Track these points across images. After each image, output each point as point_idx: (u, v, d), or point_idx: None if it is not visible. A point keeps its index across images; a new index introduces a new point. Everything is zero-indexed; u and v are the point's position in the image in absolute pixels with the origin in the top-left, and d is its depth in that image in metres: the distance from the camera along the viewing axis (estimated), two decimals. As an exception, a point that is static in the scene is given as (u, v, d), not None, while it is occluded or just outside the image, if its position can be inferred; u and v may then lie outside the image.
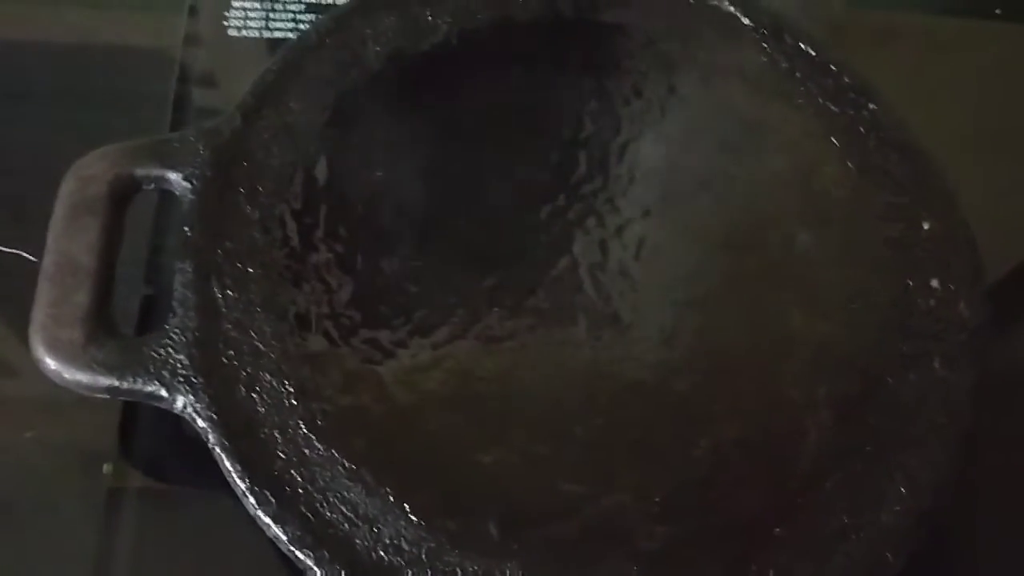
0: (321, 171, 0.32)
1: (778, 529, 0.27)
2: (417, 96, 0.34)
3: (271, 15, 0.42)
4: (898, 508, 0.28)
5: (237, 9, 0.42)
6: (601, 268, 0.32)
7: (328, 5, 0.42)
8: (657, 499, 0.28)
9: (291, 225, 0.31)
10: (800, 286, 0.32)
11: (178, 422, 0.31)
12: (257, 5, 0.42)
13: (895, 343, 0.30)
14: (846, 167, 0.33)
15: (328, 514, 0.27)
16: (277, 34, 0.41)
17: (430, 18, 0.35)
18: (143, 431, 0.32)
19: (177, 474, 0.31)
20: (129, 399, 0.29)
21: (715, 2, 0.36)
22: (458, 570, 0.26)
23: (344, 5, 0.35)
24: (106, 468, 0.31)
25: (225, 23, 0.41)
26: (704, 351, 0.31)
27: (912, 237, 0.32)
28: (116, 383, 0.28)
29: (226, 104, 0.37)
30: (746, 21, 0.36)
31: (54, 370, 0.28)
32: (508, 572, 0.26)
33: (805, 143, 0.34)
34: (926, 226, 0.32)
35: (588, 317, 0.32)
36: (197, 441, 0.28)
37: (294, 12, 0.42)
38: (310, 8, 0.42)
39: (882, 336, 0.31)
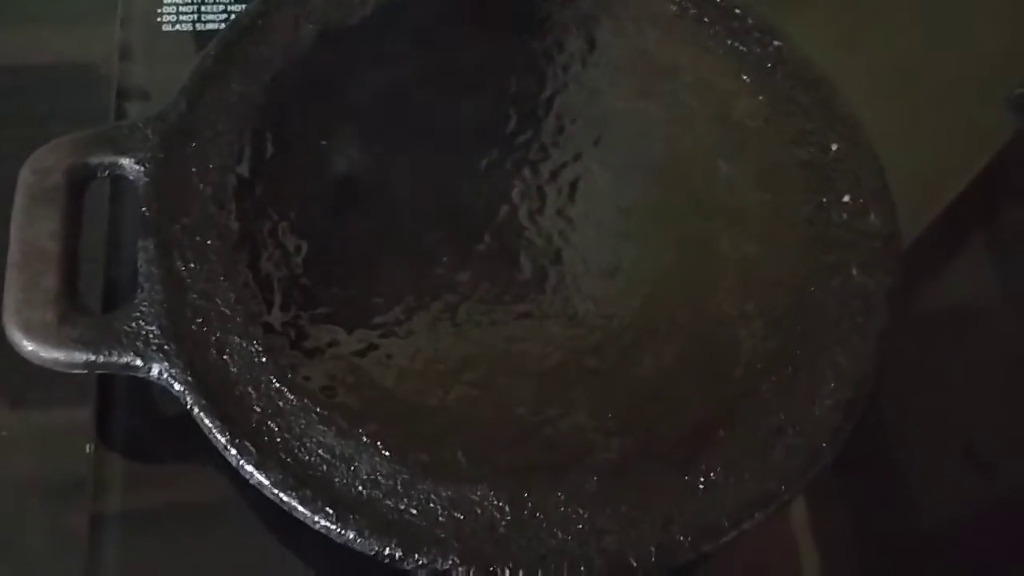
0: (265, 144, 0.34)
1: (721, 432, 0.29)
2: (350, 67, 0.36)
3: (203, 8, 0.43)
4: (829, 402, 0.30)
5: (169, 5, 0.43)
6: (540, 212, 0.35)
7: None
8: (610, 415, 0.30)
9: (243, 195, 0.33)
10: (724, 212, 0.35)
11: (153, 399, 0.33)
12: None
13: (815, 255, 0.33)
14: (757, 100, 0.36)
15: (306, 458, 0.28)
16: (210, 26, 0.43)
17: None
18: (120, 414, 0.33)
19: (157, 449, 0.33)
20: (105, 371, 0.30)
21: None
22: (432, 496, 0.28)
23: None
24: (88, 448, 0.33)
25: (159, 19, 0.43)
26: (642, 279, 0.33)
27: (822, 159, 0.35)
28: (92, 357, 0.29)
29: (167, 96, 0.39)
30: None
31: (31, 351, 0.29)
32: (479, 493, 0.28)
33: (717, 81, 0.37)
34: (834, 147, 0.35)
35: (532, 258, 0.34)
36: (173, 417, 0.29)
37: (225, 3, 0.43)
38: (240, -2, 0.43)
39: (803, 250, 0.33)
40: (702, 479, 0.29)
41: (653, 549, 0.27)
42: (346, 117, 0.35)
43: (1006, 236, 0.42)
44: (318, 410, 0.29)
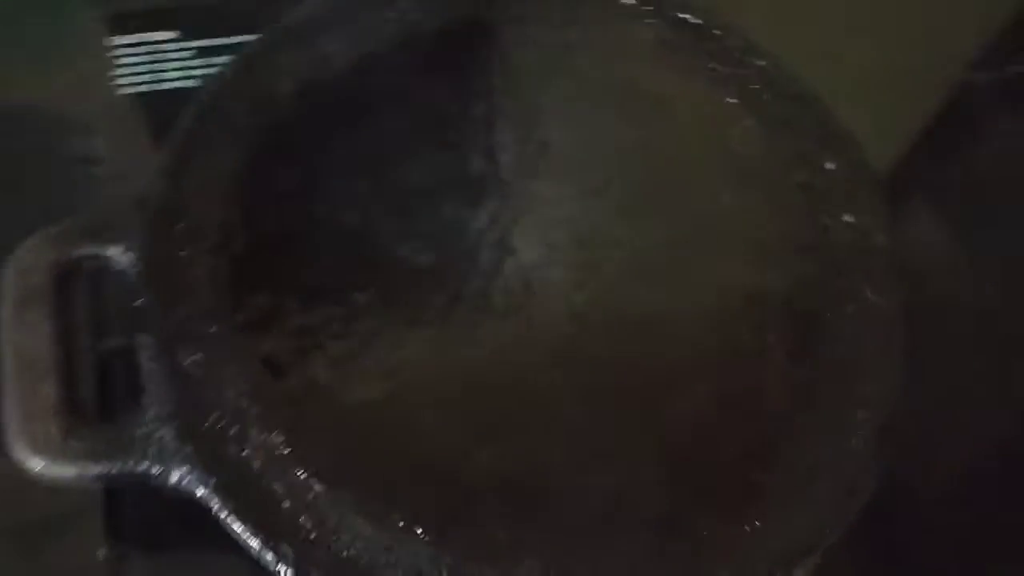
0: (256, 215, 0.33)
1: (764, 474, 0.29)
2: (332, 121, 0.35)
3: (158, 67, 0.41)
4: (862, 432, 0.30)
5: (122, 67, 0.41)
6: (546, 261, 0.34)
7: (217, 47, 0.42)
8: (653, 465, 0.30)
9: (241, 275, 0.31)
10: (731, 241, 0.34)
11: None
12: (144, 59, 0.41)
13: (827, 280, 0.33)
14: (750, 123, 0.36)
15: (344, 552, 0.27)
16: (166, 85, 0.41)
17: (332, 48, 0.35)
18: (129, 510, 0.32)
19: (172, 541, 0.32)
20: (118, 484, 0.29)
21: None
22: (478, 577, 0.27)
23: (249, 46, 0.35)
24: (100, 554, 0.31)
25: (111, 83, 0.41)
26: (656, 320, 0.33)
27: (819, 179, 0.35)
28: (104, 470, 0.28)
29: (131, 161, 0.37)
30: (627, 1, 0.37)
31: (39, 470, 0.28)
32: (528, 566, 0.27)
33: (707, 107, 0.36)
34: (830, 166, 0.35)
35: (539, 309, 0.33)
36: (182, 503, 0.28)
37: (183, 60, 0.41)
38: (201, 53, 0.42)
39: (813, 276, 0.33)
40: (747, 527, 0.28)
41: None
42: (329, 173, 0.34)
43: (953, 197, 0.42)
44: (353, 502, 0.28)
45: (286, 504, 0.28)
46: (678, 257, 0.34)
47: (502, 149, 0.35)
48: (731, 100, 0.36)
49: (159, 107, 0.40)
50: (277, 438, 0.29)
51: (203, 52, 0.42)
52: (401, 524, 0.28)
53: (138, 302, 0.30)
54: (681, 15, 0.37)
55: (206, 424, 0.29)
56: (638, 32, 0.37)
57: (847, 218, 0.34)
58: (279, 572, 0.27)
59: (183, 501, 0.29)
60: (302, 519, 0.28)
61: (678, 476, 0.29)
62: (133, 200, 0.32)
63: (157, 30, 0.42)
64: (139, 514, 0.32)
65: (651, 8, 0.37)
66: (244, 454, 0.28)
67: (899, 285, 0.33)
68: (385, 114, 0.35)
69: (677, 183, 0.35)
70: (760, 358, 0.32)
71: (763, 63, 0.37)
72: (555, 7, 0.37)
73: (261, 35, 0.36)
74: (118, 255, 0.31)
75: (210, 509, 0.28)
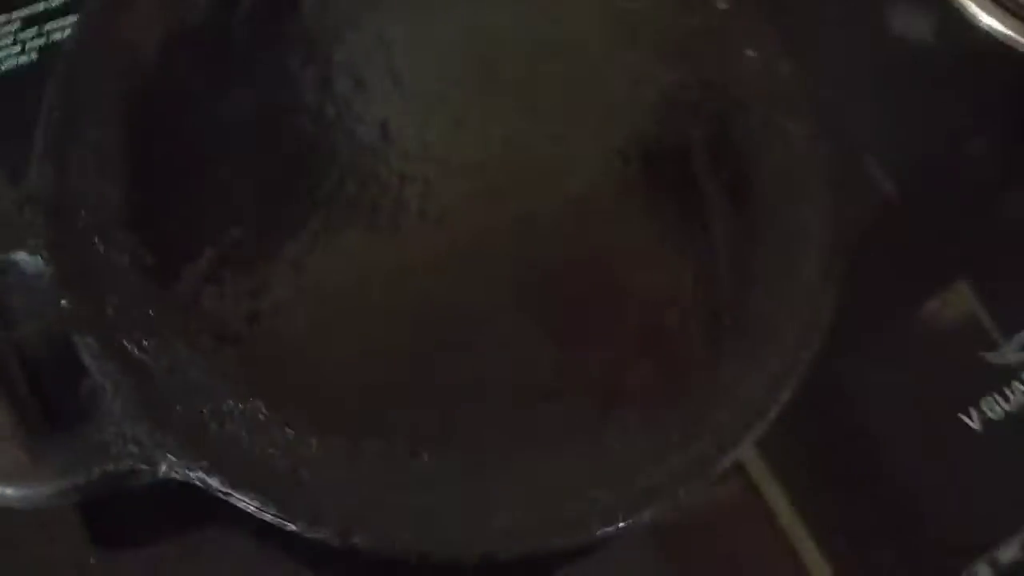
0: (152, 181, 0.31)
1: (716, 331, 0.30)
2: (203, 67, 0.33)
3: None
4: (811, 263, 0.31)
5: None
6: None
7: (46, 12, 0.38)
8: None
9: (160, 249, 0.29)
10: (639, 93, 0.34)
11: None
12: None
13: (742, 115, 0.33)
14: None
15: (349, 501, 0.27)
16: (6, 64, 0.37)
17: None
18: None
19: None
20: (99, 492, 0.27)
21: None
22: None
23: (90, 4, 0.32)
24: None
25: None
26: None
27: (715, 20, 0.35)
28: (84, 479, 0.26)
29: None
30: None
31: (17, 497, 0.26)
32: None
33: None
34: (723, 6, 0.35)
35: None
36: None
37: (12, 32, 0.37)
38: (27, 23, 0.38)
39: (728, 113, 0.34)
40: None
41: None
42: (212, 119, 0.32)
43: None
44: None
45: (281, 463, 0.27)
46: (585, 129, 0.33)
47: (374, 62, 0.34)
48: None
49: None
50: (255, 403, 0.28)
51: (29, 21, 0.38)
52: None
53: (63, 302, 0.28)
54: None
55: (176, 407, 0.27)
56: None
57: (749, 52, 0.34)
58: (298, 532, 0.26)
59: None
60: (301, 472, 0.27)
61: (621, 344, 0.30)
62: (20, 198, 0.29)
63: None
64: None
65: None
66: (224, 428, 0.27)
67: (811, 109, 0.34)
68: (260, 59, 0.33)
69: (571, 49, 0.35)
70: (695, 205, 0.32)
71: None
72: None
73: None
74: (26, 258, 0.28)
75: (205, 491, 0.27)
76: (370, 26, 0.34)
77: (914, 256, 0.39)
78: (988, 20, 0.40)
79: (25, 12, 0.38)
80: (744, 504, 0.32)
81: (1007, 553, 0.34)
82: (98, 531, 0.30)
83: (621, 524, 0.27)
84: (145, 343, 0.28)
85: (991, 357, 0.36)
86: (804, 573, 0.32)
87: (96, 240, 0.29)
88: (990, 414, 0.35)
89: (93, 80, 0.31)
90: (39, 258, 0.28)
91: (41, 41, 0.37)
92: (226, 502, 0.26)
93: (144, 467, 0.26)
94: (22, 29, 0.38)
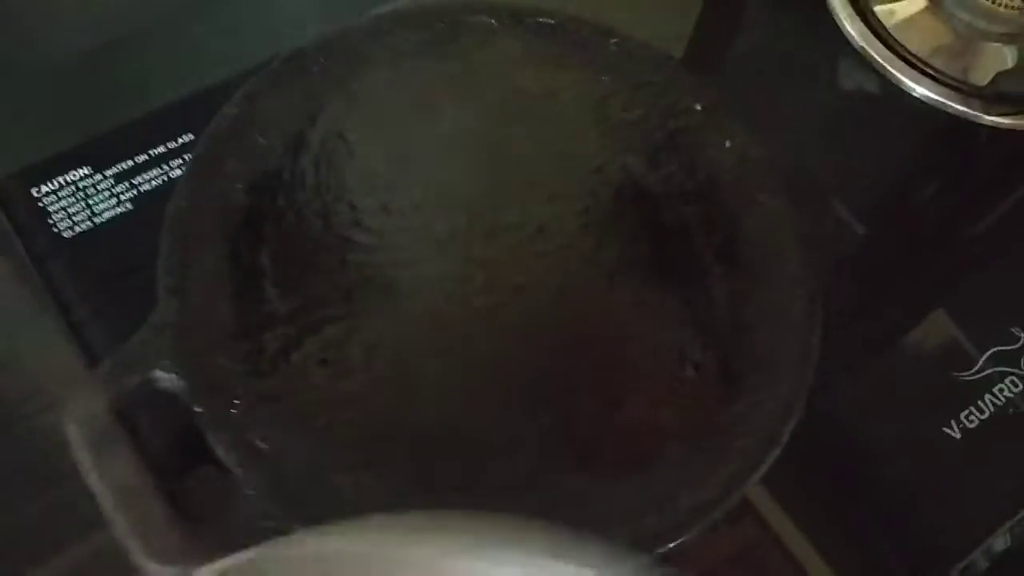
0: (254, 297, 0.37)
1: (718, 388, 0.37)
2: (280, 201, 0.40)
3: (90, 202, 0.44)
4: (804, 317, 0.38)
5: (56, 212, 0.44)
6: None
7: (135, 167, 0.45)
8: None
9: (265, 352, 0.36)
10: (634, 192, 0.41)
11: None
12: (71, 200, 0.44)
13: (724, 197, 0.41)
14: (623, 93, 0.42)
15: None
16: (106, 215, 0.44)
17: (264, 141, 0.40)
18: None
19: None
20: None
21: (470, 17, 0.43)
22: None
23: (196, 149, 0.39)
24: None
25: (55, 229, 0.43)
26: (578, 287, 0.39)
27: (694, 120, 0.42)
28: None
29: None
30: (492, 22, 0.43)
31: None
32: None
33: (585, 89, 0.43)
34: (698, 108, 0.42)
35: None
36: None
37: (108, 187, 0.44)
38: (119, 178, 0.45)
39: (712, 198, 0.41)
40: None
41: None
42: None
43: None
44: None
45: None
46: (588, 210, 0.40)
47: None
48: (604, 78, 0.43)
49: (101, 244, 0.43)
50: (364, 475, 0.34)
51: (120, 176, 0.45)
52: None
53: (196, 408, 0.34)
54: (538, 19, 0.43)
55: (299, 484, 0.33)
56: (504, 46, 0.43)
57: (727, 144, 0.41)
58: None
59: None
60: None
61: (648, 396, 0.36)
62: (153, 327, 0.36)
63: (70, 170, 0.45)
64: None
65: (510, 22, 0.43)
66: (342, 495, 0.33)
67: (780, 186, 0.41)
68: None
69: (577, 161, 0.41)
70: (696, 272, 0.39)
71: (617, 40, 0.43)
72: (423, 41, 0.42)
73: (203, 139, 0.40)
74: (164, 376, 0.35)
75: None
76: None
77: (894, 290, 0.46)
78: (921, 89, 0.47)
79: (116, 169, 0.45)
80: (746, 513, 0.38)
81: (998, 543, 0.40)
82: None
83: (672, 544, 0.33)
84: (266, 434, 0.34)
85: (967, 376, 0.43)
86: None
87: (221, 361, 0.35)
88: (968, 424, 0.41)
89: (199, 225, 0.38)
90: (174, 376, 0.35)
91: (133, 193, 0.44)
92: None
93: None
94: (115, 184, 0.45)
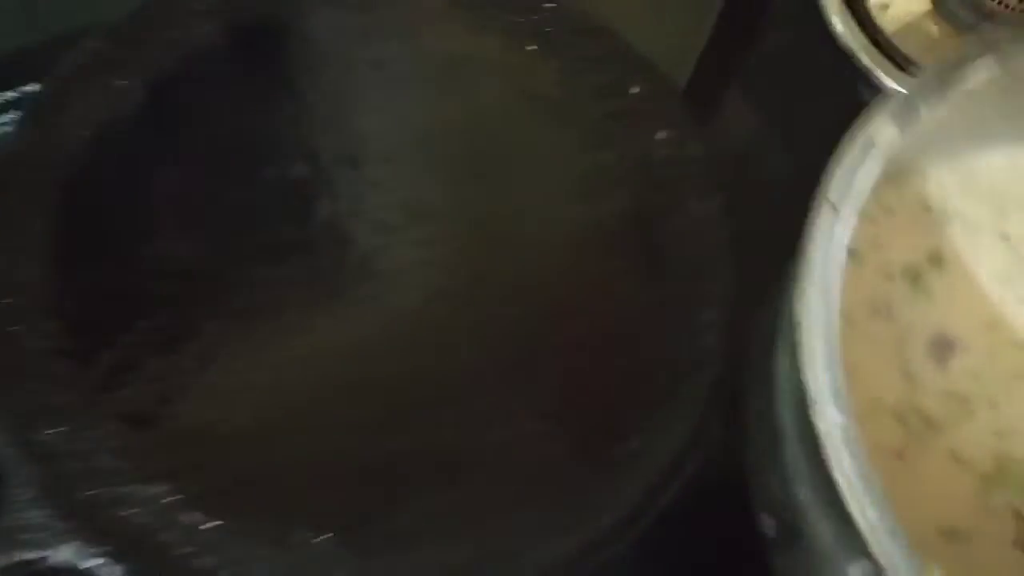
0: (78, 269, 0.32)
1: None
2: (137, 159, 0.34)
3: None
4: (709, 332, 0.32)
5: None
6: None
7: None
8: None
9: (80, 337, 0.31)
10: (557, 181, 0.35)
11: None
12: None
13: (653, 196, 0.34)
14: (553, 65, 0.36)
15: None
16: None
17: (123, 82, 0.34)
18: None
19: None
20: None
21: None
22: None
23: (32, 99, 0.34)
24: None
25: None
26: (504, 273, 0.33)
27: (628, 104, 0.36)
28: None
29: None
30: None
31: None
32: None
33: (510, 58, 0.37)
34: (635, 91, 0.36)
35: (393, 292, 0.33)
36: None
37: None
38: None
39: (640, 195, 0.34)
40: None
41: None
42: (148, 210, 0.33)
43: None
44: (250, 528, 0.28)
45: (184, 551, 0.28)
46: (512, 208, 0.34)
47: (321, 148, 0.35)
48: (531, 47, 0.37)
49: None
50: (159, 488, 0.28)
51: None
52: (307, 539, 0.28)
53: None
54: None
55: (84, 494, 0.28)
56: (431, 3, 0.37)
57: (660, 135, 0.35)
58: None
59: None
60: (203, 563, 0.27)
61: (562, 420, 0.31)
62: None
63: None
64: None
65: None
66: (130, 513, 0.28)
67: (717, 188, 0.34)
68: (193, 140, 0.35)
69: (496, 138, 0.36)
70: (610, 284, 0.33)
71: (553, 5, 0.37)
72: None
73: (43, 85, 0.35)
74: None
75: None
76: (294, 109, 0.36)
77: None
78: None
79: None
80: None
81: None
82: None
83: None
84: (53, 430, 0.29)
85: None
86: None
87: (16, 326, 0.30)
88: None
89: (26, 173, 0.33)
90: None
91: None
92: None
93: (46, 554, 0.27)
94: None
